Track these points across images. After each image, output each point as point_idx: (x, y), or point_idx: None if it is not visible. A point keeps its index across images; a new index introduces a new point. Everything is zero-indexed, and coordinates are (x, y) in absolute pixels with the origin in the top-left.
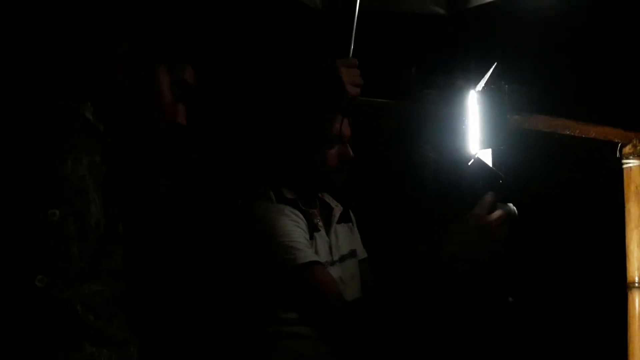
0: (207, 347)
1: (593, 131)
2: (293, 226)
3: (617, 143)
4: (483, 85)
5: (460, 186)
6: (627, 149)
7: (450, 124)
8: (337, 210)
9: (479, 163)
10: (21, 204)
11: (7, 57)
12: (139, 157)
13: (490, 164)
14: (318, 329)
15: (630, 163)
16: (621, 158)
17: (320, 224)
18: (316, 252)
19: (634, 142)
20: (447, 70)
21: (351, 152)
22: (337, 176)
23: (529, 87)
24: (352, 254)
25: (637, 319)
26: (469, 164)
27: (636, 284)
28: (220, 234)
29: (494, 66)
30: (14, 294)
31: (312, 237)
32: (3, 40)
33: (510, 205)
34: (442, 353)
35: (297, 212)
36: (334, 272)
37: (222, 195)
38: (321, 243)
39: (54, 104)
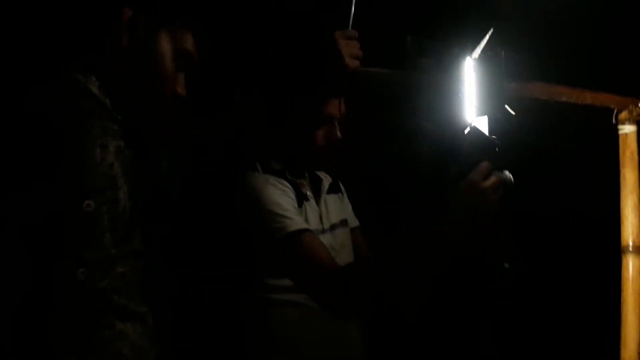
0: (201, 315)
1: (589, 97)
2: (281, 195)
3: (613, 109)
4: (479, 52)
5: (457, 154)
6: (623, 115)
7: (447, 92)
8: (327, 181)
9: (475, 131)
10: (56, 198)
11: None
12: (142, 132)
13: (486, 132)
14: (312, 296)
15: (626, 129)
16: (617, 124)
17: (309, 193)
18: (306, 221)
19: (630, 107)
20: (443, 38)
21: (339, 134)
22: (324, 157)
23: (525, 54)
24: (343, 223)
25: (630, 282)
26: (465, 132)
27: (630, 249)
28: (211, 207)
29: (489, 33)
30: (57, 289)
31: (301, 206)
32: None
33: (506, 172)
34: (436, 320)
35: (284, 182)
36: (325, 240)
37: (215, 169)
38: (311, 212)
39: (66, 82)
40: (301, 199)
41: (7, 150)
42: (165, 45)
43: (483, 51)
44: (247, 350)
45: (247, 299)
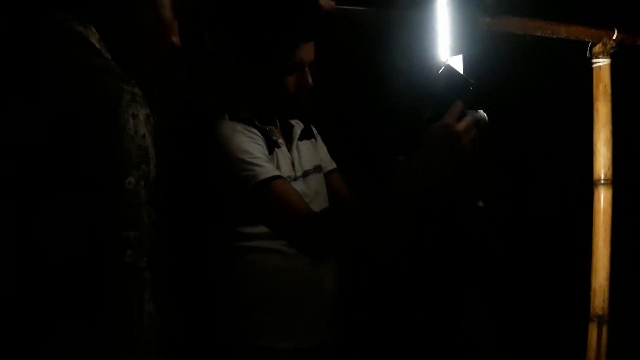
0: (175, 266)
1: (564, 31)
2: (250, 142)
3: (588, 42)
4: None
5: (431, 94)
6: (597, 48)
7: (421, 29)
8: (298, 127)
9: (449, 70)
10: (97, 178)
11: None
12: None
13: (461, 70)
14: (288, 241)
15: (600, 62)
16: (591, 57)
17: (280, 140)
18: (278, 168)
19: (604, 40)
20: None
21: (310, 80)
22: (295, 104)
23: None
24: (317, 169)
25: (601, 213)
26: (439, 71)
27: (602, 181)
28: (179, 157)
29: None
30: (107, 272)
31: (271, 153)
32: None
33: (481, 111)
34: (411, 261)
35: (253, 129)
36: (298, 187)
37: (182, 119)
38: (282, 159)
39: (72, 39)
40: (272, 146)
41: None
42: None
43: None
44: (223, 298)
45: (221, 247)
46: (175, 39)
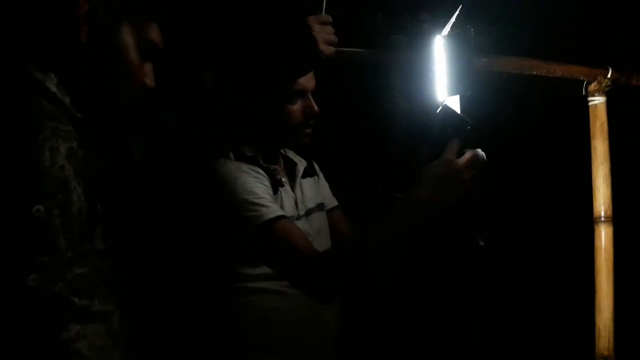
0: (175, 306)
1: (559, 70)
2: (255, 183)
3: (583, 81)
4: (449, 29)
5: (429, 133)
6: (593, 86)
7: (418, 70)
8: (301, 165)
9: (447, 110)
10: (3, 205)
11: None
12: (108, 125)
13: (458, 109)
14: (292, 282)
15: (596, 100)
16: (587, 96)
17: (284, 179)
18: (282, 207)
19: (599, 79)
20: (414, 14)
21: (316, 106)
22: (302, 132)
23: (495, 28)
24: (319, 207)
25: (603, 251)
26: (437, 111)
27: (602, 218)
28: (183, 197)
29: (459, 9)
30: (7, 296)
31: (276, 193)
32: None
33: (479, 150)
34: (412, 297)
35: (258, 169)
36: (301, 226)
37: (188, 157)
38: (286, 198)
39: (20, 80)
40: (276, 186)
41: None
42: (128, 37)
43: (452, 28)
44: (223, 341)
45: (221, 289)
46: (148, 80)
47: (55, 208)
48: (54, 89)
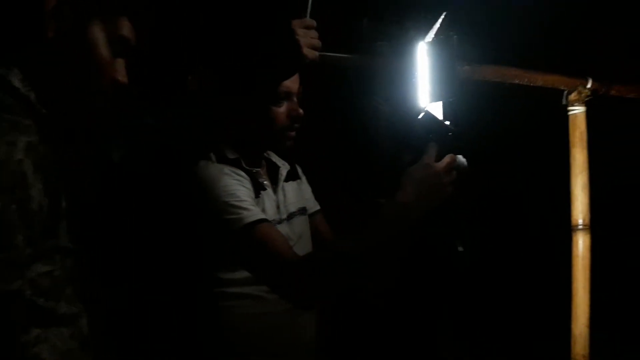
0: (152, 310)
1: (540, 79)
2: (237, 185)
3: (563, 90)
4: (432, 36)
5: (411, 139)
6: (573, 96)
7: (402, 76)
8: (284, 168)
9: (429, 116)
10: None
11: None
12: (79, 123)
13: (440, 116)
14: (272, 287)
15: (576, 110)
16: (567, 105)
17: (266, 182)
18: (263, 211)
19: (579, 89)
20: (398, 21)
21: (300, 110)
22: (287, 135)
23: (477, 37)
24: (301, 211)
25: (580, 259)
26: (419, 117)
27: (580, 227)
28: (163, 199)
29: (442, 16)
30: None
31: (258, 196)
32: None
33: (460, 156)
34: (391, 304)
35: (240, 172)
36: (282, 230)
37: (169, 159)
38: (268, 201)
39: None
40: (258, 189)
41: None
42: (97, 33)
43: (436, 35)
44: (203, 346)
45: (201, 293)
46: (120, 76)
47: (13, 203)
48: (17, 84)
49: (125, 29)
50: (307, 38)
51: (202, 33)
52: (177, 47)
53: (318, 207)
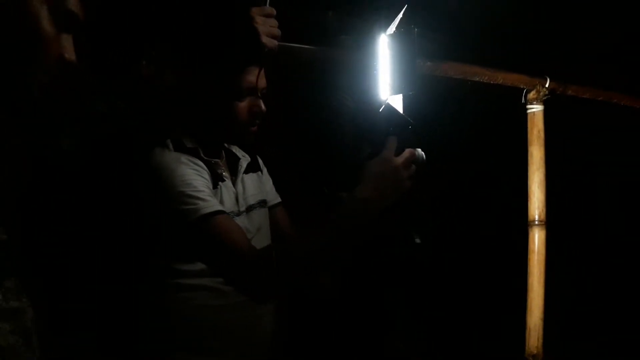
0: (105, 303)
1: (500, 77)
2: (194, 175)
3: (523, 89)
4: (393, 29)
5: (371, 132)
6: (532, 95)
7: (363, 69)
8: (245, 160)
9: (389, 109)
10: None
11: None
12: (20, 104)
13: (401, 109)
14: (227, 280)
15: (534, 108)
16: (526, 103)
17: (225, 174)
18: (221, 203)
19: (538, 88)
20: (362, 15)
21: (264, 106)
22: (247, 130)
23: (439, 34)
24: (261, 203)
25: (536, 254)
26: (380, 110)
27: (536, 222)
28: (115, 187)
29: (403, 9)
30: None
31: (216, 187)
32: None
33: (419, 150)
34: (348, 297)
35: (198, 161)
36: (240, 222)
37: (122, 146)
38: (226, 193)
39: None
40: (216, 180)
41: None
42: (37, 6)
43: (397, 28)
44: (155, 339)
45: (154, 285)
46: (66, 53)
47: None
48: None
49: (72, 1)
50: (266, 26)
51: (158, 15)
52: (131, 28)
53: (279, 200)
